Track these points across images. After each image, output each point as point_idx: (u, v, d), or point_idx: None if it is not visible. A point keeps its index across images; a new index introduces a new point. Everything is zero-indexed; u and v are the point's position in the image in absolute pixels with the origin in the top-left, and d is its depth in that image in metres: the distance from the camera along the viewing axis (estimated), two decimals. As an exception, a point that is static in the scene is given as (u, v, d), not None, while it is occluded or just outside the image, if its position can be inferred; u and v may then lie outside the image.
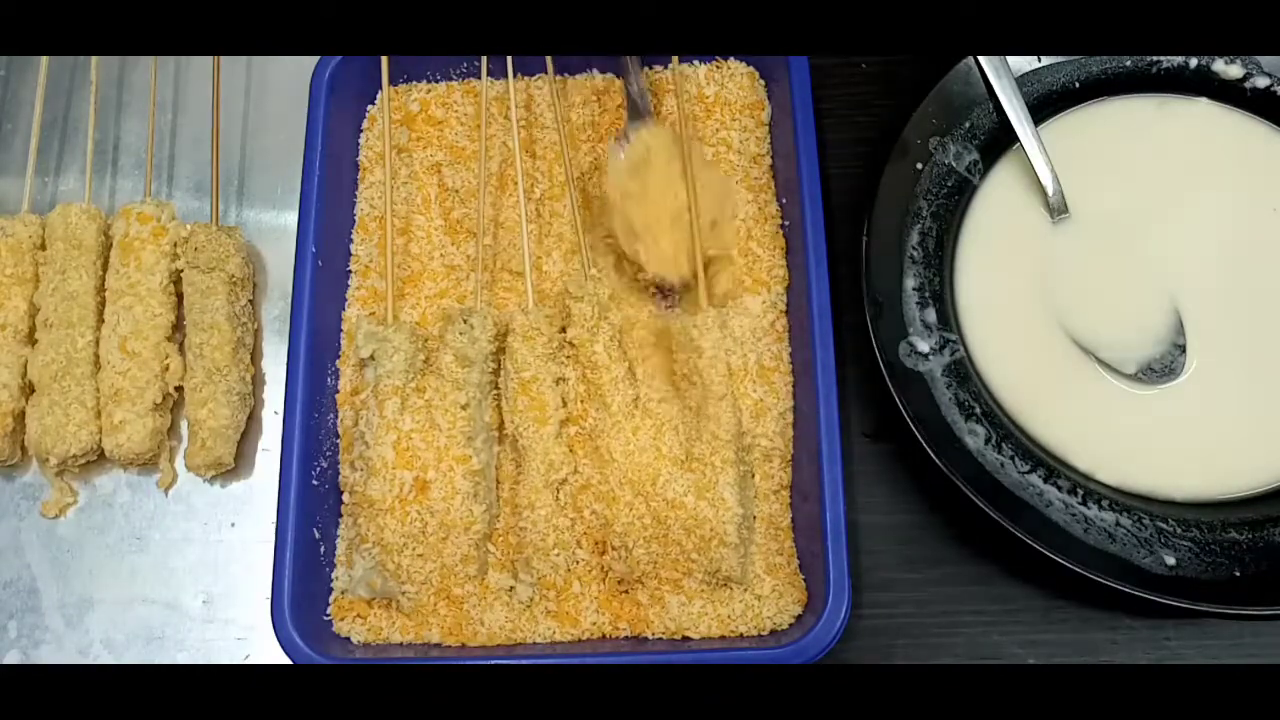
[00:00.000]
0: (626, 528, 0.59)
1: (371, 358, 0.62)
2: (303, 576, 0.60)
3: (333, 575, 0.62)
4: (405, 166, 0.70)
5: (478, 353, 0.62)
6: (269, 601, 0.58)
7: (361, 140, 0.71)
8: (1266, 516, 0.59)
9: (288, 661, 0.59)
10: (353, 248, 0.69)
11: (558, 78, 0.70)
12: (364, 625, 0.61)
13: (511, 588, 0.61)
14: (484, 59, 0.69)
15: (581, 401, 0.62)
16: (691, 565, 0.59)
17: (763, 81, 0.70)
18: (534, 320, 0.62)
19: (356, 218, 0.69)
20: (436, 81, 0.72)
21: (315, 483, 0.62)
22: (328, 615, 0.61)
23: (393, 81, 0.71)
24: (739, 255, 0.66)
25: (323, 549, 0.62)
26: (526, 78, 0.71)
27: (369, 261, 0.68)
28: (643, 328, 0.63)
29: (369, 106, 0.72)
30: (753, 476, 0.62)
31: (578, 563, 0.61)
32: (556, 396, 0.62)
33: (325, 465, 0.63)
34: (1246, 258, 0.64)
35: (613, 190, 0.65)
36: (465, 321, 0.63)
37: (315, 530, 0.61)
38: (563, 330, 0.63)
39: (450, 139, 0.71)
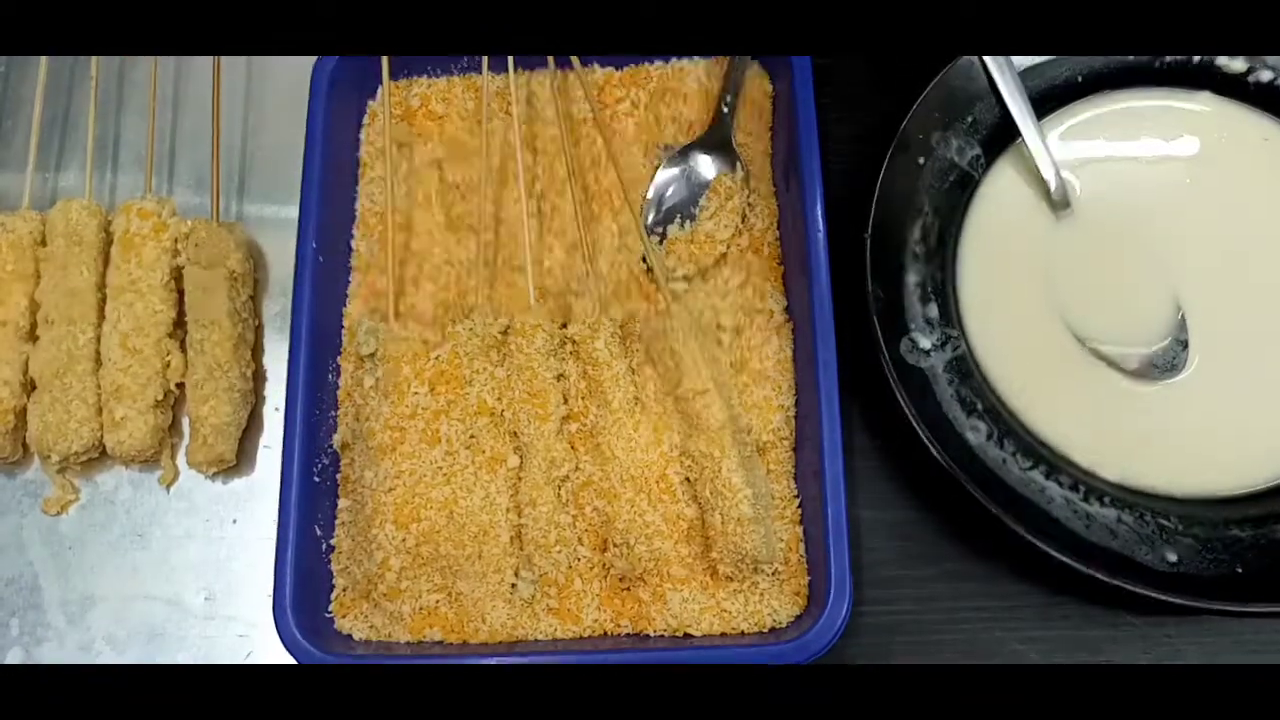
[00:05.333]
0: (628, 524, 0.59)
1: (373, 354, 0.62)
2: (304, 573, 0.60)
3: (334, 572, 0.62)
4: (406, 162, 0.70)
5: (479, 349, 0.62)
6: (271, 599, 0.58)
7: (362, 136, 0.71)
8: (1269, 513, 0.59)
9: (290, 659, 0.59)
10: (353, 243, 0.69)
11: (558, 71, 0.70)
12: (365, 623, 0.61)
13: (513, 585, 0.61)
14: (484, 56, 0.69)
15: (582, 398, 0.62)
16: (713, 560, 0.59)
17: (766, 76, 0.70)
18: (535, 316, 0.62)
19: (357, 213, 0.69)
20: (437, 76, 0.72)
21: (317, 479, 0.62)
22: (329, 613, 0.61)
23: (393, 76, 0.70)
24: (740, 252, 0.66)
25: (324, 545, 0.62)
26: (527, 72, 0.71)
27: (370, 258, 0.68)
28: (642, 324, 0.63)
29: (369, 101, 0.71)
30: (761, 455, 0.62)
31: (579, 560, 0.61)
32: (557, 393, 0.62)
33: (327, 462, 0.63)
34: (1249, 253, 0.64)
35: None
36: (467, 317, 0.63)
37: (317, 527, 0.62)
38: (564, 326, 0.63)
39: (451, 134, 0.71)
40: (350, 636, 0.60)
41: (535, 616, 0.60)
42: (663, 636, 0.59)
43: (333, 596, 0.62)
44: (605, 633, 0.60)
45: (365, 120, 0.71)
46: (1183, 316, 0.63)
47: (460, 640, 0.60)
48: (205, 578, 0.64)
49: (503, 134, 0.70)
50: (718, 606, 0.59)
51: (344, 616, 0.61)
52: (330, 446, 0.63)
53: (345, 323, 0.67)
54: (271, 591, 0.58)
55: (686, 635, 0.59)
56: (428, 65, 0.72)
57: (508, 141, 0.69)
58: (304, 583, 0.59)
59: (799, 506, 0.61)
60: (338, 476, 0.64)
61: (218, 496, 0.66)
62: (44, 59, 0.70)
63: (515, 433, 0.62)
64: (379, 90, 0.71)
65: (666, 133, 0.69)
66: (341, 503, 0.63)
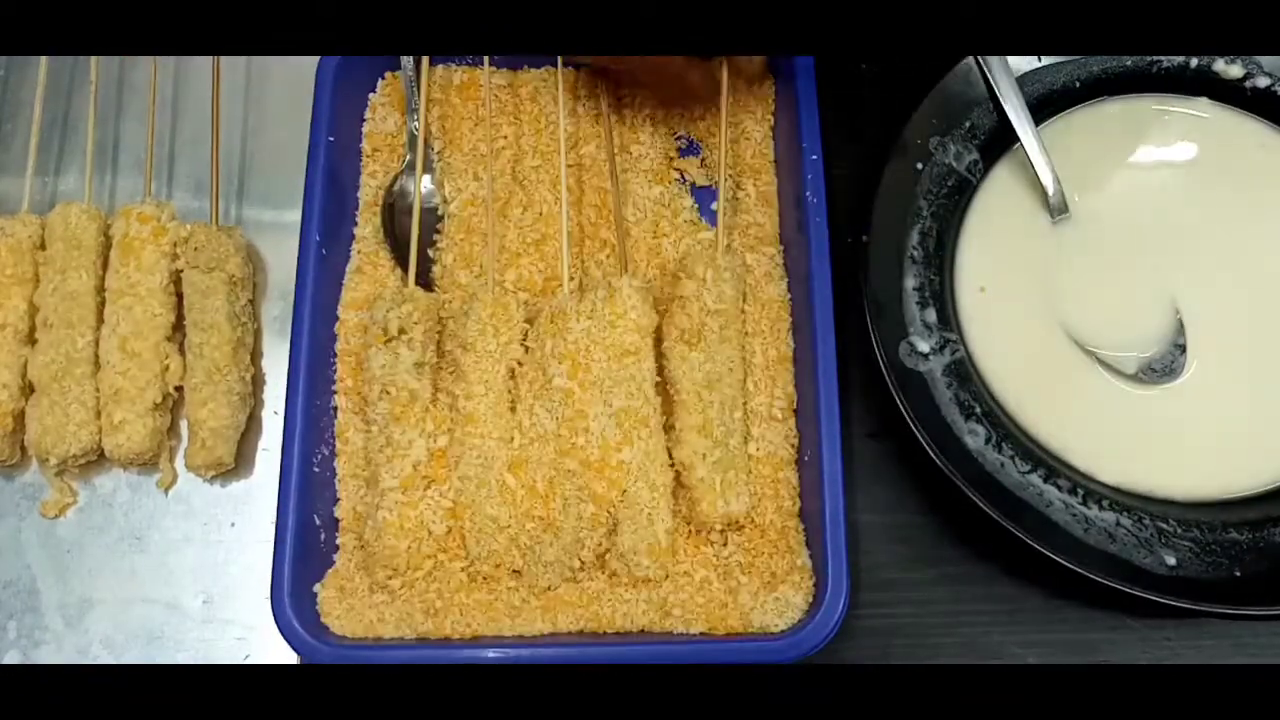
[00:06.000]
0: (609, 518, 0.59)
1: (384, 330, 0.62)
2: (303, 561, 0.60)
3: (334, 560, 0.62)
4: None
5: (497, 343, 0.62)
6: (269, 600, 0.58)
7: (365, 129, 0.71)
8: (1267, 516, 0.59)
9: (287, 661, 0.59)
10: (355, 231, 0.69)
11: (556, 69, 0.70)
12: (356, 615, 0.60)
13: (502, 579, 0.60)
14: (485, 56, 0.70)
15: (533, 398, 0.62)
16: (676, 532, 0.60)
17: (770, 78, 0.70)
18: (496, 309, 0.62)
19: (360, 202, 0.69)
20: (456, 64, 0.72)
21: (316, 469, 0.62)
22: (318, 606, 0.61)
23: (396, 69, 0.71)
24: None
25: (323, 536, 0.62)
26: (534, 69, 0.72)
27: (370, 254, 0.68)
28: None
29: (370, 95, 0.72)
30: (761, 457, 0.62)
31: (567, 554, 0.60)
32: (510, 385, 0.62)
33: (327, 453, 0.63)
34: (1246, 258, 0.64)
35: None
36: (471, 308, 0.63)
37: (316, 517, 0.61)
38: (528, 321, 0.63)
39: (451, 129, 0.71)
40: (345, 630, 0.60)
41: (522, 612, 0.60)
42: (655, 634, 0.59)
43: (326, 583, 0.61)
44: (598, 630, 0.60)
45: (367, 114, 0.71)
46: (1180, 321, 0.63)
47: (454, 634, 0.59)
48: (203, 581, 0.64)
49: (504, 128, 0.70)
50: (712, 604, 0.59)
51: (339, 604, 0.60)
52: (330, 436, 0.64)
53: (343, 315, 0.66)
54: (269, 591, 0.58)
55: (681, 633, 0.59)
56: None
57: (505, 136, 0.70)
58: (302, 572, 0.59)
59: (799, 507, 0.61)
60: (335, 464, 0.64)
61: (216, 500, 0.66)
62: (44, 62, 0.70)
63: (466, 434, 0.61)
64: (379, 83, 0.72)
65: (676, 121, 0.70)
66: (340, 491, 0.63)
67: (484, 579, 0.61)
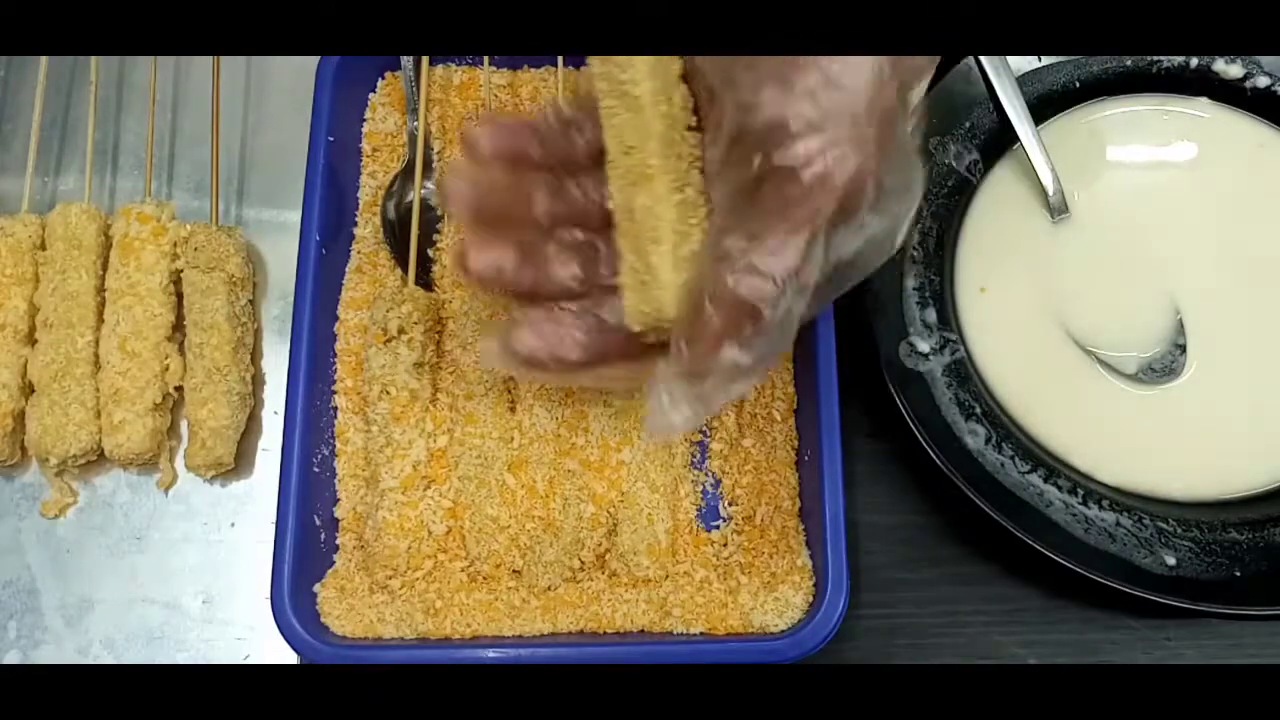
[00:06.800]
0: (609, 518, 0.60)
1: (383, 330, 0.62)
2: (303, 561, 0.60)
3: (333, 560, 0.62)
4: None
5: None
6: (269, 600, 0.58)
7: (365, 129, 0.71)
8: (1267, 516, 0.59)
9: (287, 661, 0.58)
10: (355, 231, 0.68)
11: (557, 69, 0.70)
12: (356, 616, 0.60)
13: (502, 579, 0.60)
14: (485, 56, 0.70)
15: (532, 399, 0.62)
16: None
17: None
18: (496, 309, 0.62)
19: (360, 202, 0.69)
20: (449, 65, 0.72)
21: (316, 469, 0.62)
22: (318, 606, 0.60)
23: (396, 68, 0.71)
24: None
25: (323, 536, 0.62)
26: (534, 69, 0.72)
27: (370, 254, 0.68)
28: None
29: (370, 95, 0.72)
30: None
31: (567, 555, 0.60)
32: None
33: (327, 453, 0.63)
34: (1246, 258, 0.64)
35: None
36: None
37: (316, 517, 0.61)
38: None
39: (451, 130, 0.71)
40: (345, 630, 0.60)
41: (522, 612, 0.59)
42: (655, 634, 0.59)
43: (326, 583, 0.61)
44: (597, 629, 0.59)
45: (367, 113, 0.71)
46: (1180, 321, 0.63)
47: (454, 634, 0.59)
48: (203, 581, 0.64)
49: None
50: (711, 605, 0.59)
51: (339, 604, 0.60)
52: (330, 436, 0.63)
53: (342, 315, 0.66)
54: (269, 591, 0.58)
55: (680, 633, 0.59)
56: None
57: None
58: (302, 571, 0.59)
59: (799, 507, 0.61)
60: (335, 464, 0.63)
61: (216, 500, 0.66)
62: (44, 62, 0.70)
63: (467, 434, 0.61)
64: (379, 83, 0.71)
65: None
66: (340, 491, 0.63)
67: (484, 579, 0.61)
